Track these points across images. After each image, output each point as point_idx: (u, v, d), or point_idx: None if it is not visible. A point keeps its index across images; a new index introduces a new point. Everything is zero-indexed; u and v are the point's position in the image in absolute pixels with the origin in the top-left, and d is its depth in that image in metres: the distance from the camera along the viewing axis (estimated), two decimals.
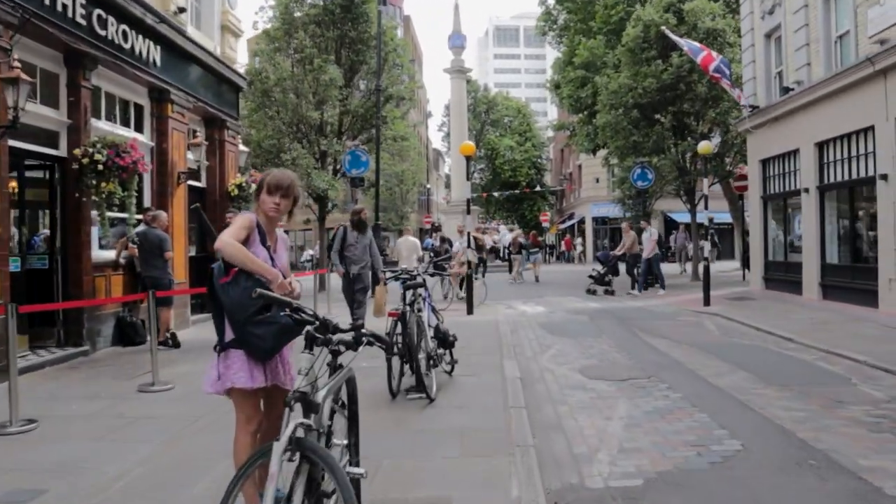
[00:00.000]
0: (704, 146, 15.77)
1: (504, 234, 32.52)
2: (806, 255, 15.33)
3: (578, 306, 15.93)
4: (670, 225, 44.28)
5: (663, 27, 19.45)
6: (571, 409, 6.44)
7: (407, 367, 6.80)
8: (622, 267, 20.65)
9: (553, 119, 50.22)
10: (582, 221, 49.24)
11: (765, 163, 17.71)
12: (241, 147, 15.47)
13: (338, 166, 19.13)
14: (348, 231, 10.26)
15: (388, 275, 8.59)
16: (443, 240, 21.59)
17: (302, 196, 17.91)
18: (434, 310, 7.58)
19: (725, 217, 44.83)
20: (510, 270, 26.62)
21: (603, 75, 23.80)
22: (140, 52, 10.76)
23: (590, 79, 26.81)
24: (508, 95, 67.83)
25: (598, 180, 47.79)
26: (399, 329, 6.66)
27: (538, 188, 57.98)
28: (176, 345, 10.01)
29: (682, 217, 44.69)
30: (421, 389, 6.55)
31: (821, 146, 14.73)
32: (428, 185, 52.89)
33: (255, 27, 20.86)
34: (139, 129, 11.41)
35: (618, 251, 19.70)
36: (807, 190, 15.06)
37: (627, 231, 19.85)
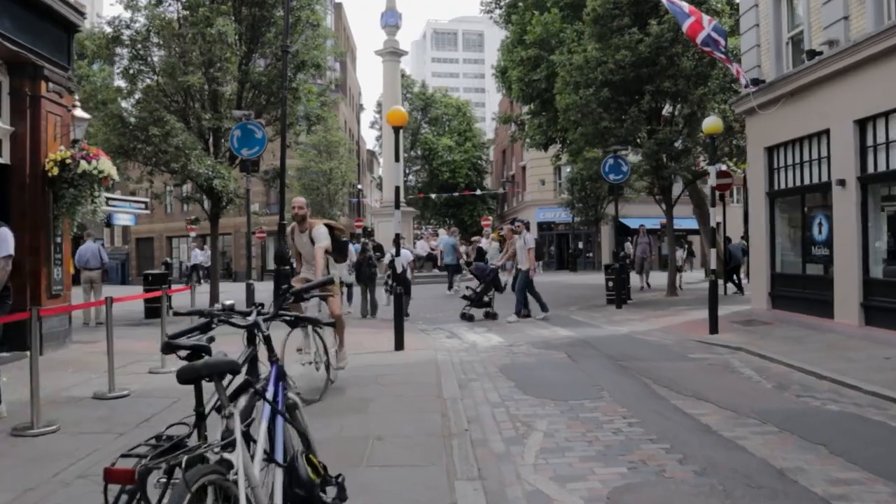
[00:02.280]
0: (713, 123, 12.01)
1: (444, 240, 28.44)
2: (840, 268, 11.72)
3: (544, 334, 11.94)
4: (622, 231, 41.06)
5: None
6: None
7: None
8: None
9: (494, 112, 46.41)
10: (526, 227, 45.63)
11: (772, 151, 14.12)
12: (79, 112, 10.95)
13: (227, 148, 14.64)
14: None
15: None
16: (374, 247, 17.24)
17: (188, 188, 13.23)
18: (294, 412, 3.31)
19: (684, 223, 42.11)
20: (450, 282, 22.63)
21: (561, 53, 20.02)
22: None
23: (543, 58, 23.01)
24: (447, 93, 63.90)
25: (543, 182, 44.34)
26: None
27: (479, 191, 54.20)
28: None
29: (633, 222, 41.70)
30: None
31: (863, 124, 11.15)
32: (360, 187, 48.46)
33: None
34: None
35: (499, 261, 15.66)
36: (841, 182, 11.45)
37: (511, 236, 15.59)
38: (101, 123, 14.35)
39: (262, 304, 3.32)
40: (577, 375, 8.17)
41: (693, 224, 41.06)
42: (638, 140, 17.76)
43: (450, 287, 22.37)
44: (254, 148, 12.04)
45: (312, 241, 7.53)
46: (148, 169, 15.62)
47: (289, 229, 8.27)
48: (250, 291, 11.98)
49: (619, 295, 16.35)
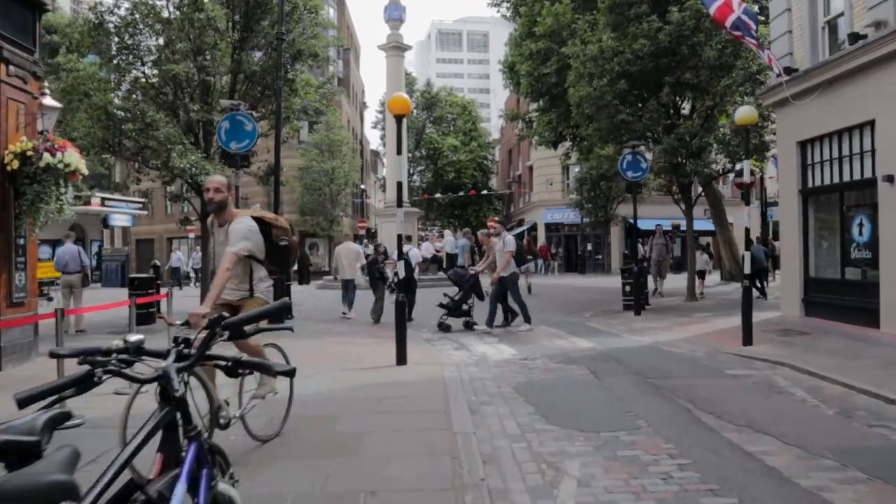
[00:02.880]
0: (747, 113, 10.90)
1: (450, 241, 27.38)
2: (888, 272, 10.62)
3: (563, 346, 10.87)
4: (634, 232, 39.92)
5: None
6: None
7: None
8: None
9: (501, 109, 45.30)
10: (533, 228, 44.55)
11: (805, 145, 13.04)
12: (49, 101, 9.91)
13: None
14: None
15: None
16: (377, 250, 16.30)
17: (180, 186, 12.10)
18: None
19: (694, 224, 40.87)
20: None
21: (573, 44, 18.93)
22: None
23: (554, 51, 21.97)
24: (452, 91, 62.80)
25: (551, 183, 43.21)
26: None
27: (485, 192, 53.11)
28: None
29: (644, 224, 40.49)
30: None
31: None
32: (363, 187, 47.45)
33: None
34: None
35: (478, 267, 14.38)
36: (889, 178, 10.37)
37: (486, 240, 14.13)
38: (85, 116, 13.35)
39: (186, 340, 2.20)
40: (606, 397, 7.11)
41: (704, 225, 40.12)
42: (654, 135, 16.65)
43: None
44: (243, 141, 11.00)
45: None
46: (136, 166, 14.62)
47: (209, 222, 5.87)
48: None
49: (637, 300, 15.26)
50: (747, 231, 11.12)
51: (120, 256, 53.30)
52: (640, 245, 38.33)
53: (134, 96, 12.62)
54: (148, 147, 12.07)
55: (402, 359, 8.87)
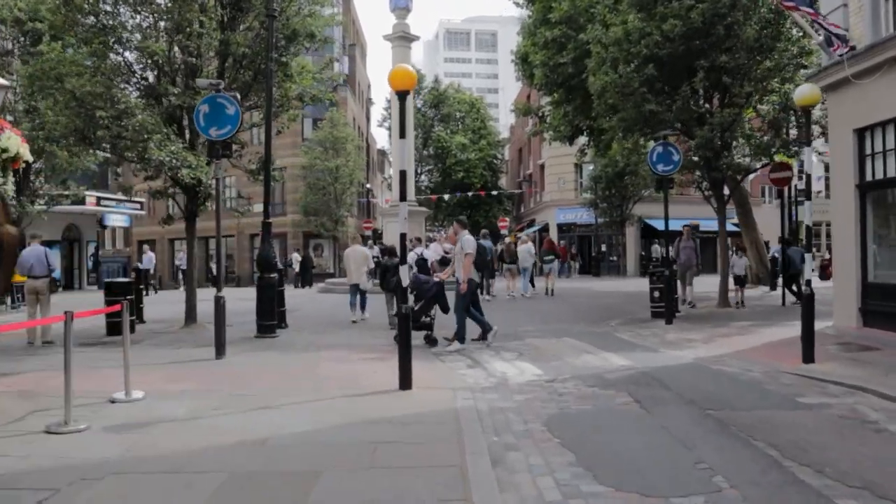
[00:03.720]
0: (808, 93, 9.35)
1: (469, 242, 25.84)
2: None
3: (594, 364, 9.36)
4: (648, 233, 38.53)
5: None
6: None
7: None
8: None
9: (512, 104, 43.76)
10: (545, 228, 43.01)
11: (863, 133, 11.51)
12: None
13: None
14: None
15: None
16: (385, 251, 14.97)
17: (164, 180, 10.58)
18: None
19: (712, 224, 39.21)
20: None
21: (593, 30, 17.44)
22: None
23: (571, 38, 20.51)
24: (460, 87, 61.23)
25: (563, 181, 41.68)
26: None
27: (494, 192, 51.58)
28: None
29: (661, 224, 38.76)
30: None
31: None
32: (369, 186, 46.04)
33: None
34: None
35: (443, 274, 12.38)
36: None
37: (454, 239, 11.95)
38: (54, 102, 11.97)
39: None
40: (664, 441, 5.62)
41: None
42: (686, 126, 15.12)
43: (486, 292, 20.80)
44: (225, 127, 9.55)
45: None
46: (114, 158, 13.23)
47: None
48: (220, 306, 9.52)
49: (669, 308, 13.75)
50: (808, 230, 9.55)
51: (121, 258, 52.04)
52: (658, 247, 36.99)
53: (104, 78, 11.09)
54: (123, 137, 10.64)
55: (406, 383, 7.41)
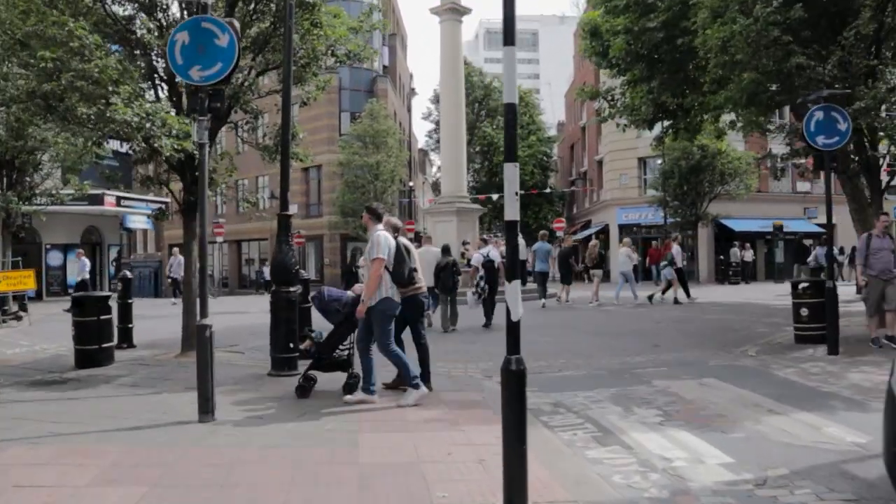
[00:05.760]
0: None
1: (521, 245, 22.41)
2: None
3: (806, 440, 5.68)
4: (724, 234, 34.49)
5: None
6: None
7: None
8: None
9: (573, 90, 39.98)
10: (603, 230, 39.18)
11: None
12: None
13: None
14: None
15: None
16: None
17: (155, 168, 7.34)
18: None
19: (795, 225, 34.97)
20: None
21: None
22: None
23: None
24: None
25: (626, 178, 37.81)
26: None
27: (548, 190, 47.86)
28: None
29: (736, 224, 34.76)
30: None
31: None
32: (411, 184, 42.78)
33: None
34: None
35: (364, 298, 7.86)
36: None
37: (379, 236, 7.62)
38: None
39: None
40: None
41: (803, 227, 34.20)
42: (846, 85, 11.28)
43: (543, 296, 19.31)
44: (214, 66, 6.18)
45: None
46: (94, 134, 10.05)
47: None
48: (203, 341, 6.16)
49: (833, 333, 10.00)
50: None
51: (153, 263, 49.48)
52: (737, 250, 32.89)
53: (46, 10, 7.72)
54: (76, 89, 7.37)
55: (517, 497, 3.93)
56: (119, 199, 29.74)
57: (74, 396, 7.58)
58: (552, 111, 74.16)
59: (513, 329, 4.09)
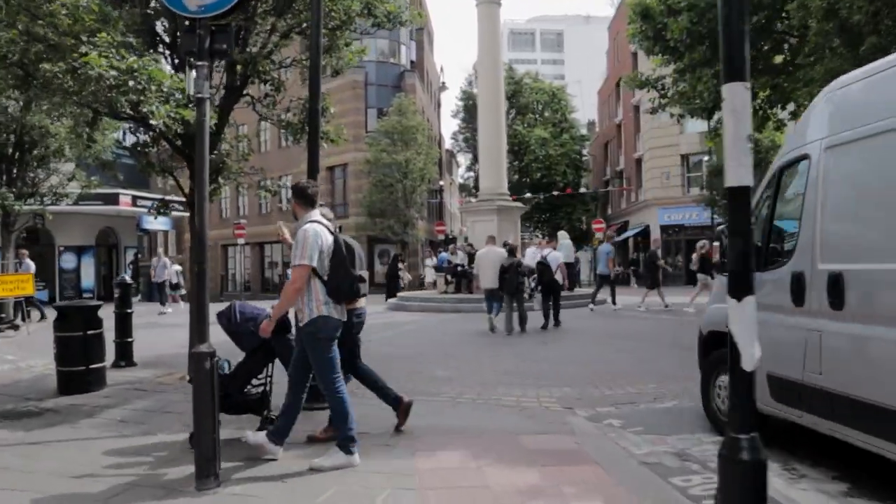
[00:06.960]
0: None
1: (566, 246, 20.57)
2: None
3: None
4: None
5: None
6: None
7: None
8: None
9: (620, 77, 37.91)
10: (643, 232, 37.08)
11: None
12: None
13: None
14: None
15: None
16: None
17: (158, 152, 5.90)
18: None
19: None
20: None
21: None
22: None
23: None
24: (538, 76, 55.62)
25: (668, 176, 35.70)
26: None
27: (583, 190, 45.84)
28: None
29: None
30: None
31: None
32: (441, 183, 40.98)
33: None
34: None
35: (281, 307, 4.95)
36: None
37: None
38: None
39: None
40: None
41: None
42: None
43: (613, 301, 19.26)
44: None
45: None
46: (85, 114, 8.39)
47: None
48: (202, 375, 4.36)
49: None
50: None
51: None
52: None
53: None
54: (42, 39, 5.58)
55: None
56: (135, 198, 28.22)
57: (40, 439, 5.83)
58: (582, 111, 72.16)
59: (744, 382, 2.23)
